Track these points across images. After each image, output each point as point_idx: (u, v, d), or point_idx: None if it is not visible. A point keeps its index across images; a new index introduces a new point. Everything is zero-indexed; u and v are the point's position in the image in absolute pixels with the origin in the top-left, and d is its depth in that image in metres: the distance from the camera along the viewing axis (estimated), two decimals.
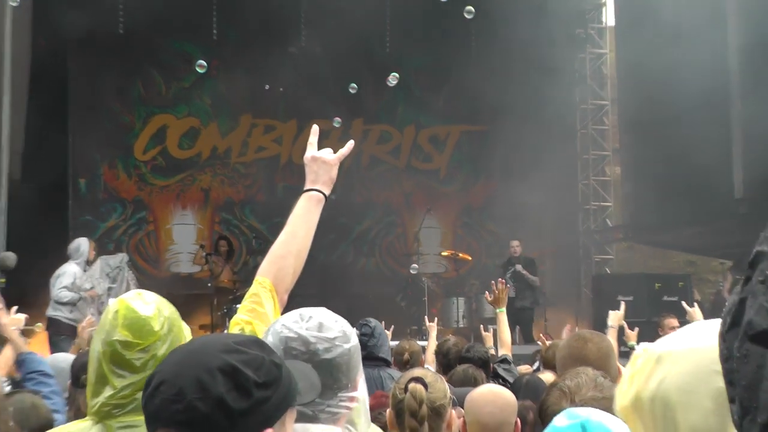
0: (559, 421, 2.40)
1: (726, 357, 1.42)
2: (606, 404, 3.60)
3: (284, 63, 22.27)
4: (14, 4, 14.94)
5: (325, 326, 3.15)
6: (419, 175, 24.79)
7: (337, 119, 16.50)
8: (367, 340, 9.27)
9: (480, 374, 8.27)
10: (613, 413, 3.73)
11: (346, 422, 3.21)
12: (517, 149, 22.02)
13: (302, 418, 3.00)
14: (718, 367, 1.59)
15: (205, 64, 16.75)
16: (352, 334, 3.25)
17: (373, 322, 9.50)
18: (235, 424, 2.41)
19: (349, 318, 9.80)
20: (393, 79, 14.57)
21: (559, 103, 24.83)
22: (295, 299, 4.07)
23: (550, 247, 24.47)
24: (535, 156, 22.00)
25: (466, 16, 17.41)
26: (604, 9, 26.70)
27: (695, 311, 11.44)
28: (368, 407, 3.44)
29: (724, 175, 21.29)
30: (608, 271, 25.46)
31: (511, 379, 8.66)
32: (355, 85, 16.28)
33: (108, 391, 3.55)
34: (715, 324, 1.70)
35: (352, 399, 3.21)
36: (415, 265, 19.96)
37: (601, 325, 18.18)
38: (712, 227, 21.83)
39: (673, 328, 13.52)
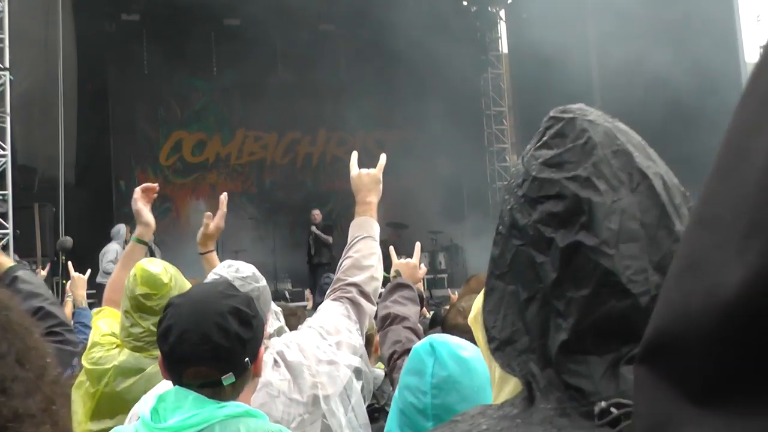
0: (417, 343, 2.35)
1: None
2: None
3: (266, 91, 22.23)
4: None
5: (240, 270, 3.22)
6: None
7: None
8: (327, 288, 9.32)
9: None
10: None
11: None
12: (439, 146, 21.89)
13: None
14: None
15: None
16: (262, 278, 3.28)
17: (332, 275, 9.42)
18: (245, 349, 2.52)
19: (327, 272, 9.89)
20: None
21: (470, 111, 24.96)
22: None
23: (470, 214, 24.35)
24: (452, 150, 21.92)
25: None
26: (500, 40, 26.67)
27: None
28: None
29: None
30: None
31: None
32: None
33: (137, 330, 3.71)
34: None
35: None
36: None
37: None
38: None
39: None
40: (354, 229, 3.94)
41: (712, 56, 16.04)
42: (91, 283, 16.08)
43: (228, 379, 2.50)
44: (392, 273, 4.60)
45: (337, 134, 24.87)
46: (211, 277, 3.25)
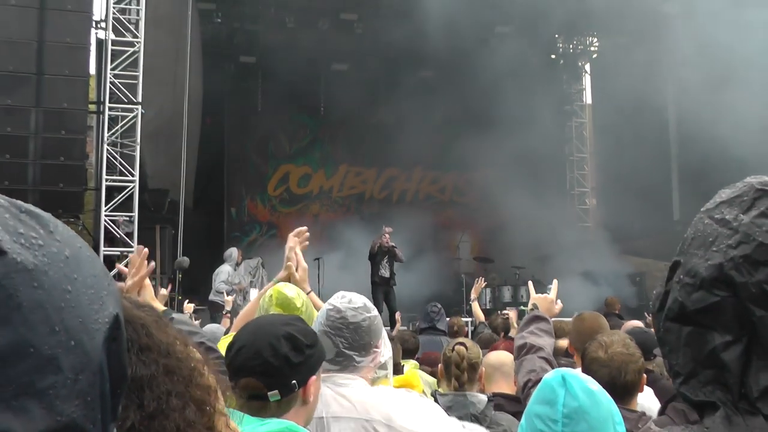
0: (547, 375, 2.37)
1: (656, 331, 1.43)
2: (627, 358, 3.87)
3: (368, 130, 23.30)
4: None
5: (353, 301, 3.26)
6: (457, 206, 25.56)
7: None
8: (434, 317, 9.81)
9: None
10: (631, 366, 3.85)
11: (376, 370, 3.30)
12: (524, 189, 21.93)
13: (335, 369, 3.17)
14: None
15: None
16: (373, 309, 3.32)
17: (438, 305, 10.05)
18: (294, 371, 2.65)
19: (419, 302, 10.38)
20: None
21: (554, 157, 25.60)
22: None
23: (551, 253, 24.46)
24: (537, 191, 22.39)
25: None
26: (584, 92, 27.23)
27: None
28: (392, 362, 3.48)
29: (666, 204, 21.97)
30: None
31: None
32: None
33: None
34: None
35: (374, 357, 3.27)
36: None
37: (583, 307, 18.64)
38: (658, 240, 21.63)
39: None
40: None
41: None
42: (204, 301, 16.79)
43: (274, 396, 2.61)
44: (530, 306, 4.68)
45: (431, 173, 25.63)
46: (325, 307, 3.29)
